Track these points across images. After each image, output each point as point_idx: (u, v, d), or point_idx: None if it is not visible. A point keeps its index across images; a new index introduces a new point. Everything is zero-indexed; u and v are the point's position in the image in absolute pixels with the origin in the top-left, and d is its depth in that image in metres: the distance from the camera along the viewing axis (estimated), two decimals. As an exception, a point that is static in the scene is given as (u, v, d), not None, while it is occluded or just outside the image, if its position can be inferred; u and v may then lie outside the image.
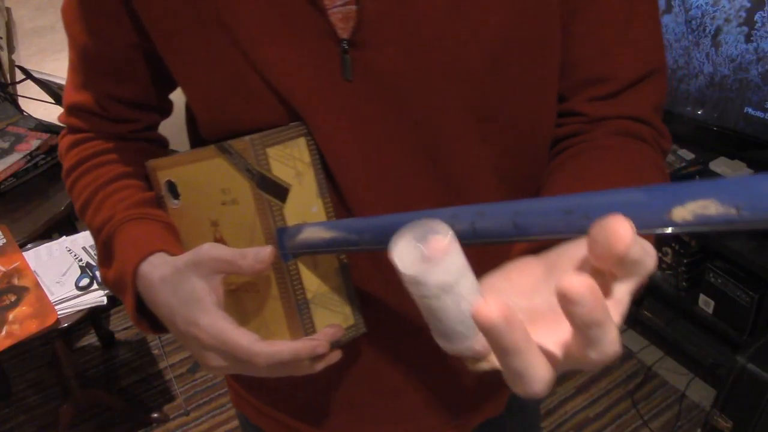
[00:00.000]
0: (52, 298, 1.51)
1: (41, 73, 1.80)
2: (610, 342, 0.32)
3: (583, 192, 0.38)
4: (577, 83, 0.60)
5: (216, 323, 0.53)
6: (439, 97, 0.54)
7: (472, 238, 0.42)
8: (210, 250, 0.54)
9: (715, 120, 1.73)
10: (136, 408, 2.00)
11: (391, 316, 0.63)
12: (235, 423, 1.96)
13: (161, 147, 0.73)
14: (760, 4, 1.52)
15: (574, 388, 2.03)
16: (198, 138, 0.64)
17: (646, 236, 0.36)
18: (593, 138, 0.59)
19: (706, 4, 1.63)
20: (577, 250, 0.39)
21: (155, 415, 1.98)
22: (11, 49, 4.08)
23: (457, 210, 0.43)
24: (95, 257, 1.63)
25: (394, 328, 0.63)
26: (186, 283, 0.54)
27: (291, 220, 0.55)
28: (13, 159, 1.88)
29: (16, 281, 1.54)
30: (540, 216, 0.39)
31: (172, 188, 0.63)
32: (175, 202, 0.63)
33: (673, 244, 1.94)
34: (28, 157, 1.90)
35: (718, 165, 1.86)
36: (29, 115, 2.11)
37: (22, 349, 2.19)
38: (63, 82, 1.84)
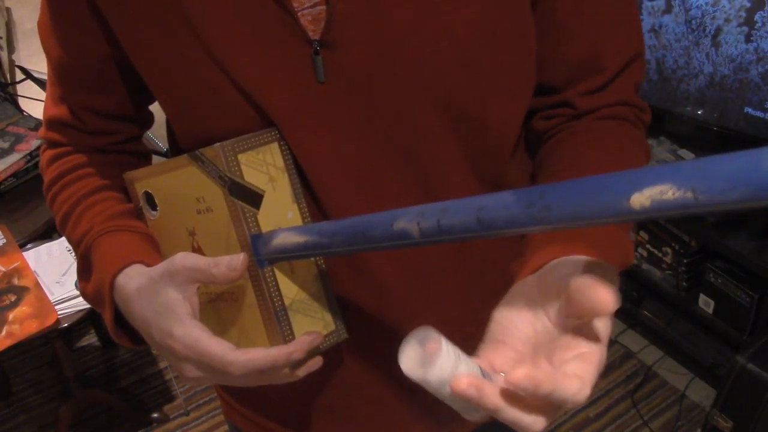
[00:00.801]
0: (52, 298, 1.51)
1: (41, 73, 1.80)
2: (576, 393, 0.37)
3: (541, 184, 0.39)
4: (569, 76, 0.61)
5: (190, 333, 0.52)
6: (412, 94, 0.54)
7: (438, 236, 0.43)
8: (183, 259, 0.53)
9: (715, 120, 1.73)
10: (136, 408, 2.00)
11: (373, 322, 0.62)
12: (235, 423, 1.97)
13: (143, 159, 0.72)
14: (760, 4, 1.51)
15: (574, 388, 2.03)
16: (177, 147, 0.64)
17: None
18: (580, 124, 0.61)
19: (706, 4, 1.63)
20: (562, 275, 0.42)
21: (155, 415, 1.98)
22: (11, 49, 4.08)
23: (423, 208, 0.43)
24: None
25: (376, 335, 0.63)
26: (161, 294, 0.53)
27: (266, 227, 0.54)
28: (13, 159, 1.88)
29: (16, 281, 1.54)
30: (502, 210, 0.40)
31: (150, 199, 0.63)
32: (153, 213, 0.63)
33: (673, 244, 1.94)
34: (28, 157, 1.90)
35: (718, 165, 1.85)
36: (29, 115, 2.11)
37: (22, 349, 2.19)
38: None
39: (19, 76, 2.02)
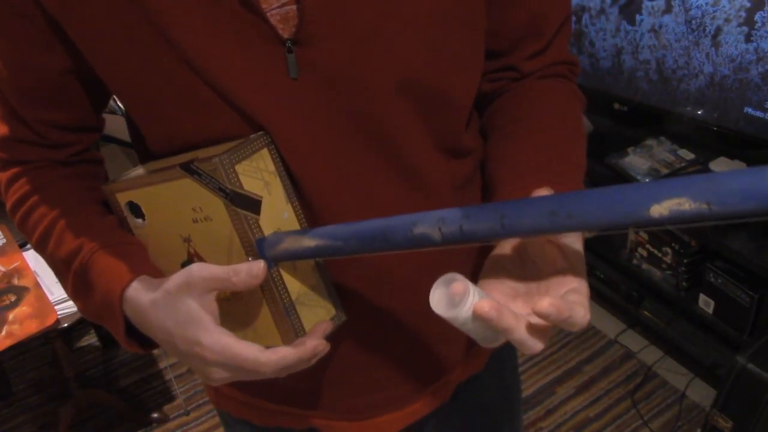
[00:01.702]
0: (52, 298, 1.51)
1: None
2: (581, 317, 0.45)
3: (566, 193, 0.44)
4: (513, 40, 0.67)
5: (219, 341, 0.54)
6: (380, 82, 0.57)
7: (461, 240, 0.47)
8: (200, 271, 0.54)
9: (715, 120, 1.73)
10: (136, 408, 2.00)
11: (367, 298, 0.66)
12: (235, 423, 1.97)
13: (99, 166, 0.72)
14: (760, 4, 1.51)
15: (574, 388, 2.03)
16: (147, 152, 0.64)
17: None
18: (523, 84, 0.69)
19: (706, 4, 1.63)
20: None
21: (155, 415, 1.98)
22: (11, 49, 4.08)
23: (443, 213, 0.48)
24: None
25: (369, 309, 0.67)
26: (180, 305, 0.55)
27: (267, 230, 0.56)
28: (13, 159, 1.89)
29: (16, 281, 1.54)
30: (526, 217, 0.44)
31: (135, 209, 0.63)
32: (139, 221, 0.64)
33: (673, 244, 1.94)
34: (28, 157, 1.90)
35: (718, 165, 1.86)
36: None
37: (22, 349, 2.19)
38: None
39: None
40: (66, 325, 1.52)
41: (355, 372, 0.72)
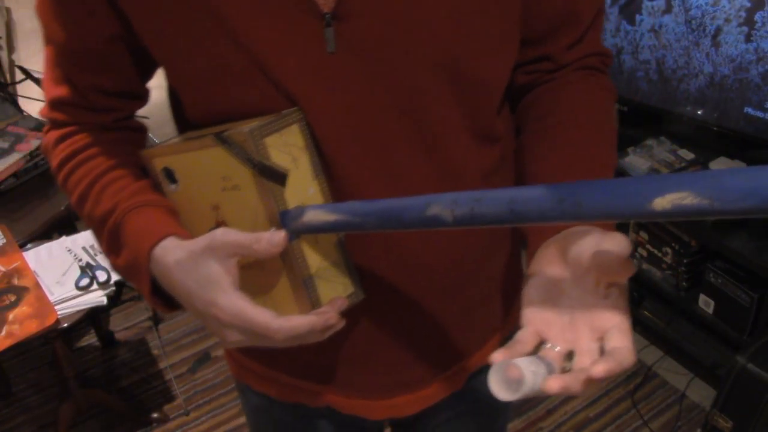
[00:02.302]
0: (52, 298, 1.51)
1: (41, 73, 1.80)
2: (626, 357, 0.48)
3: (575, 182, 0.45)
4: (548, 28, 0.67)
5: (235, 303, 0.56)
6: (415, 60, 0.58)
7: (470, 222, 0.48)
8: (224, 235, 0.56)
9: (715, 120, 1.73)
10: (136, 408, 2.00)
11: (386, 279, 0.67)
12: (236, 422, 1.97)
13: (141, 133, 0.74)
14: (760, 4, 1.51)
15: (574, 388, 2.03)
16: (185, 123, 0.66)
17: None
18: (560, 76, 0.70)
19: (706, 4, 1.63)
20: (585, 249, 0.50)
21: (155, 415, 1.98)
22: (11, 49, 4.08)
23: (456, 196, 0.49)
24: (95, 257, 1.63)
25: (388, 290, 0.68)
26: (202, 267, 0.57)
27: (291, 203, 0.58)
28: (13, 159, 1.88)
29: (16, 281, 1.54)
30: (535, 203, 0.45)
31: (169, 174, 0.66)
32: (173, 187, 0.66)
33: (673, 244, 1.94)
34: (28, 157, 1.90)
35: (718, 165, 1.86)
36: (29, 115, 2.11)
37: (22, 349, 2.19)
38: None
39: (19, 76, 2.02)
40: (66, 325, 1.52)
41: (372, 351, 0.73)
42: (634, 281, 2.12)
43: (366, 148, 0.61)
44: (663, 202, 0.39)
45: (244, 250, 0.56)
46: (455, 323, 0.75)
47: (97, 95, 0.67)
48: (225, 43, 0.56)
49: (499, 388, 0.48)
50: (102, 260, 1.62)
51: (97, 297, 1.55)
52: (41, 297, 1.50)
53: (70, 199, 0.70)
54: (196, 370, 2.14)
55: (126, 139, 0.71)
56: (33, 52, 4.12)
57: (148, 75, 0.69)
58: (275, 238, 0.56)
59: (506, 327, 0.83)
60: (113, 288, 1.57)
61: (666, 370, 2.06)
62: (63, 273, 1.59)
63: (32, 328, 1.43)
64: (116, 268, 0.67)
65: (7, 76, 3.39)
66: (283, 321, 0.56)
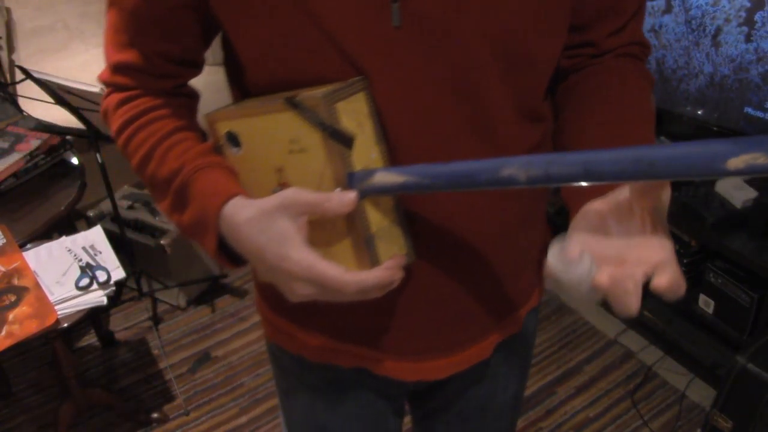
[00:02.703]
0: (52, 298, 1.51)
1: (41, 73, 1.80)
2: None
3: (648, 145, 0.49)
4: (594, 16, 0.71)
5: (307, 257, 0.59)
6: (473, 38, 0.61)
7: (544, 182, 0.52)
8: (296, 194, 0.60)
9: (715, 120, 1.73)
10: (136, 408, 2.00)
11: (432, 242, 0.71)
12: (236, 423, 1.97)
13: (196, 100, 0.78)
14: (760, 4, 1.51)
15: (574, 388, 2.03)
16: (244, 92, 0.71)
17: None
18: (601, 62, 0.73)
19: (706, 4, 1.63)
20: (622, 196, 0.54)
21: (155, 415, 1.98)
22: (11, 49, 4.08)
23: (530, 159, 0.53)
24: (95, 257, 1.63)
25: (433, 253, 0.72)
26: (274, 224, 0.60)
27: (357, 166, 0.62)
28: (13, 159, 1.88)
29: (16, 281, 1.54)
30: (610, 164, 0.49)
31: (232, 138, 0.69)
32: (234, 150, 0.69)
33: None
34: (28, 157, 1.90)
35: (718, 165, 1.85)
36: (29, 115, 2.11)
37: (22, 349, 2.19)
38: (63, 82, 1.84)
39: (19, 76, 2.01)
40: (66, 325, 1.52)
41: (411, 313, 0.76)
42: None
43: (421, 119, 0.64)
44: (737, 162, 0.42)
45: (314, 208, 0.60)
46: (490, 291, 0.79)
47: (160, 61, 0.70)
48: (297, 13, 0.59)
49: (556, 261, 0.52)
50: (102, 260, 1.62)
51: (97, 297, 1.55)
52: (41, 297, 1.50)
53: (131, 160, 0.73)
54: (196, 370, 2.14)
55: (183, 105, 0.74)
56: (33, 52, 4.13)
57: (208, 44, 0.72)
58: (346, 197, 0.60)
59: (532, 300, 0.88)
60: (113, 288, 1.57)
61: (666, 370, 2.06)
62: (63, 273, 1.59)
63: (32, 328, 1.43)
64: (180, 225, 0.70)
65: (7, 76, 3.39)
66: (353, 275, 0.59)
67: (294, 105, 0.61)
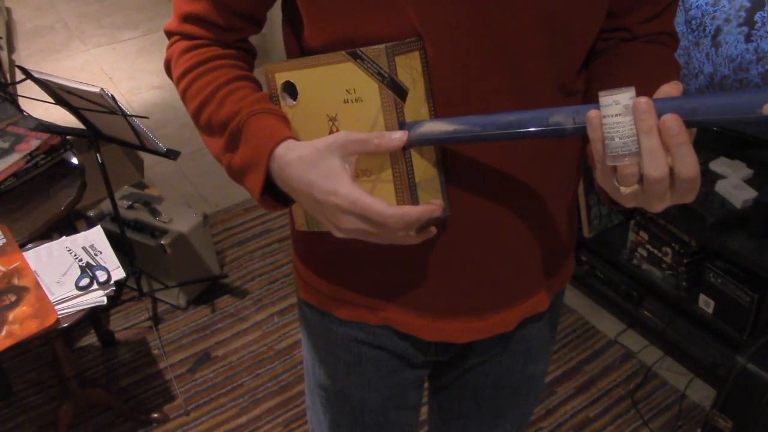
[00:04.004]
0: (52, 298, 1.51)
1: (41, 73, 1.80)
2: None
3: (689, 95, 0.52)
4: (631, 3, 0.74)
5: (354, 192, 0.64)
6: (523, 11, 0.65)
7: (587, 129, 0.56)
8: (347, 134, 0.65)
9: (715, 120, 1.73)
10: (136, 408, 2.00)
11: (467, 202, 0.74)
12: (236, 423, 1.97)
13: (254, 55, 0.83)
14: (760, 4, 1.52)
15: (574, 388, 2.03)
16: (298, 49, 0.77)
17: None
18: (633, 44, 0.77)
19: (706, 4, 1.63)
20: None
21: (155, 415, 1.98)
22: (11, 49, 4.08)
23: (577, 107, 0.58)
24: (95, 257, 1.63)
25: (467, 214, 0.75)
26: (326, 161, 0.65)
27: (408, 118, 0.67)
28: (13, 159, 1.88)
29: (16, 281, 1.54)
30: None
31: (289, 88, 0.74)
32: (290, 101, 0.74)
33: (673, 244, 1.94)
34: (28, 157, 1.90)
35: (718, 165, 1.86)
36: (29, 115, 2.11)
37: (22, 349, 2.19)
38: (63, 82, 1.83)
39: (19, 76, 2.02)
40: (66, 325, 1.52)
41: (440, 271, 0.80)
42: (635, 281, 2.12)
43: (465, 83, 0.68)
44: None
45: (366, 144, 0.64)
46: (518, 260, 0.81)
47: (228, 14, 0.75)
48: None
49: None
50: (102, 260, 1.62)
51: (97, 297, 1.55)
52: (41, 297, 1.50)
53: (189, 104, 0.78)
54: (196, 370, 2.14)
55: (242, 58, 0.80)
56: (33, 52, 4.13)
57: (272, 2, 0.78)
58: (396, 134, 0.64)
59: (558, 280, 0.90)
60: (113, 288, 1.57)
61: (666, 370, 2.06)
62: (63, 273, 1.59)
63: (32, 328, 1.43)
64: (230, 165, 0.73)
65: (7, 76, 3.39)
66: (397, 208, 0.63)
67: (355, 56, 0.66)
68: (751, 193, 1.75)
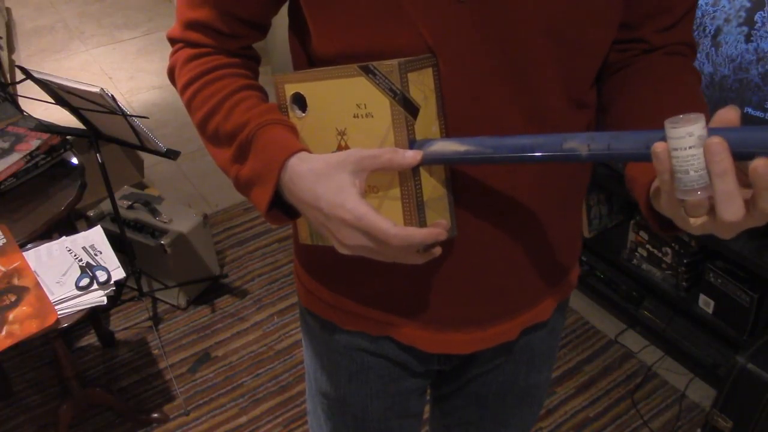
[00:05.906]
0: (52, 298, 1.51)
1: (41, 73, 1.80)
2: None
3: (717, 127, 0.49)
4: (645, 13, 0.73)
5: (361, 207, 0.63)
6: (530, 25, 0.65)
7: (605, 156, 0.55)
8: (359, 150, 0.64)
9: (715, 120, 1.73)
10: (136, 408, 2.00)
11: (473, 218, 0.74)
12: (236, 423, 1.97)
13: (257, 62, 0.82)
14: (760, 4, 1.52)
15: (574, 388, 2.03)
16: (306, 59, 0.76)
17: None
18: (651, 58, 0.75)
19: (706, 4, 1.63)
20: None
21: (155, 415, 1.98)
22: (11, 49, 4.08)
23: (593, 134, 0.56)
24: (95, 257, 1.63)
25: (473, 229, 0.74)
26: (336, 175, 0.64)
27: (418, 135, 0.66)
28: (13, 159, 1.88)
29: (16, 281, 1.54)
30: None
31: (298, 100, 0.73)
32: (299, 112, 0.73)
33: (673, 244, 1.94)
34: (28, 157, 1.90)
35: (718, 165, 1.85)
36: (29, 115, 2.11)
37: (22, 349, 2.19)
38: (63, 82, 1.83)
39: (19, 76, 2.02)
40: (66, 325, 1.52)
41: (444, 284, 0.79)
42: (635, 281, 2.12)
43: (474, 96, 0.67)
44: None
45: (377, 160, 0.63)
46: (521, 272, 0.81)
47: (232, 21, 0.74)
48: None
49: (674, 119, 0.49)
50: (102, 260, 1.62)
51: (97, 297, 1.55)
52: (41, 297, 1.50)
53: (195, 114, 0.76)
54: (196, 370, 2.14)
55: (246, 65, 0.78)
56: (33, 52, 4.13)
57: (278, 8, 0.77)
58: (410, 153, 0.63)
59: (560, 291, 0.89)
60: (113, 288, 1.57)
61: (666, 370, 2.06)
62: (63, 273, 1.59)
63: (32, 328, 1.43)
64: (238, 176, 0.72)
65: (7, 76, 3.38)
66: (400, 229, 0.62)
67: (367, 70, 0.65)
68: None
